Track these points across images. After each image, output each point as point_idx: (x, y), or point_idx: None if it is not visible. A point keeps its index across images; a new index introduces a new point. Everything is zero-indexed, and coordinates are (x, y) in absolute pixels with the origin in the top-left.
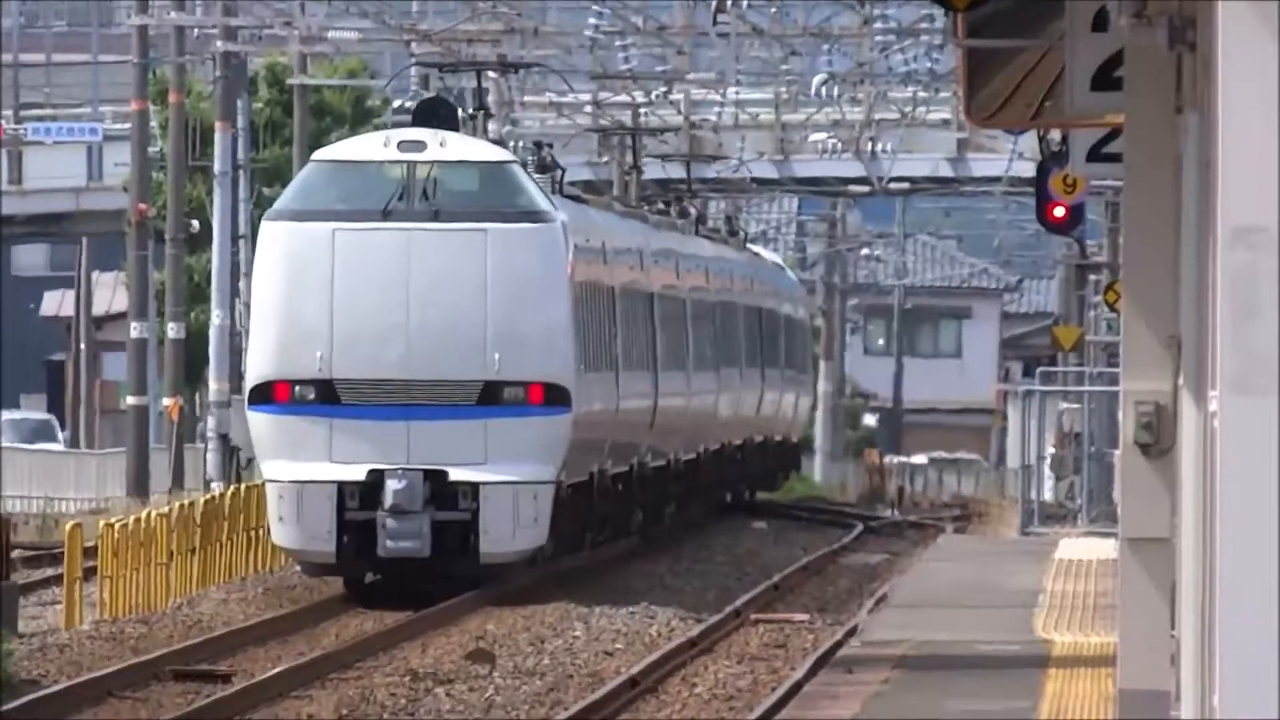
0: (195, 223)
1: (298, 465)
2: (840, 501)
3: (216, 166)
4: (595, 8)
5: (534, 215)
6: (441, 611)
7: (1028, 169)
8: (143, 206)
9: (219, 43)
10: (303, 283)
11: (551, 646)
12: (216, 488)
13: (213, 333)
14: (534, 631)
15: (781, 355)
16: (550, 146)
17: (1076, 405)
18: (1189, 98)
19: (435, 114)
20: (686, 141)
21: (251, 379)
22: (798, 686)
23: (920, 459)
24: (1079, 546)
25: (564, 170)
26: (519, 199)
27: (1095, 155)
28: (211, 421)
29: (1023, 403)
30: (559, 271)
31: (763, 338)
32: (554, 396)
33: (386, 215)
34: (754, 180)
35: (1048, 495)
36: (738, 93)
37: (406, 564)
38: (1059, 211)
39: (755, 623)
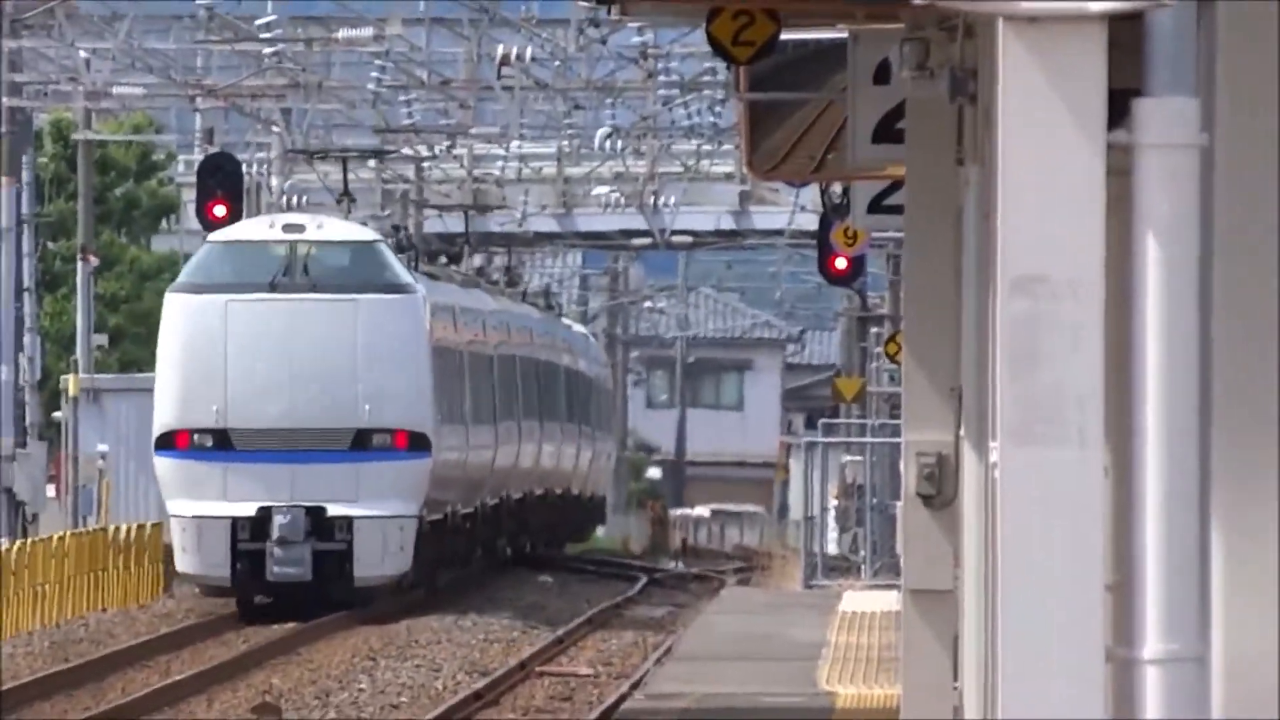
0: None
1: (197, 503)
2: (625, 554)
3: (2, 221)
4: (379, 62)
5: (398, 288)
6: (228, 664)
7: (810, 221)
8: None
9: (4, 98)
10: (200, 345)
11: (337, 700)
12: (3, 543)
13: None
14: (319, 685)
15: (592, 415)
16: (406, 229)
17: (859, 457)
18: (970, 150)
19: (220, 168)
20: (470, 195)
21: (157, 428)
22: None
23: (703, 511)
24: (862, 599)
25: (417, 248)
26: (385, 274)
27: (876, 207)
28: None
29: (805, 454)
30: (420, 335)
31: (577, 398)
32: (416, 442)
33: (273, 288)
34: (536, 234)
35: (831, 548)
36: (521, 146)
37: (291, 587)
38: (841, 263)
39: (540, 675)
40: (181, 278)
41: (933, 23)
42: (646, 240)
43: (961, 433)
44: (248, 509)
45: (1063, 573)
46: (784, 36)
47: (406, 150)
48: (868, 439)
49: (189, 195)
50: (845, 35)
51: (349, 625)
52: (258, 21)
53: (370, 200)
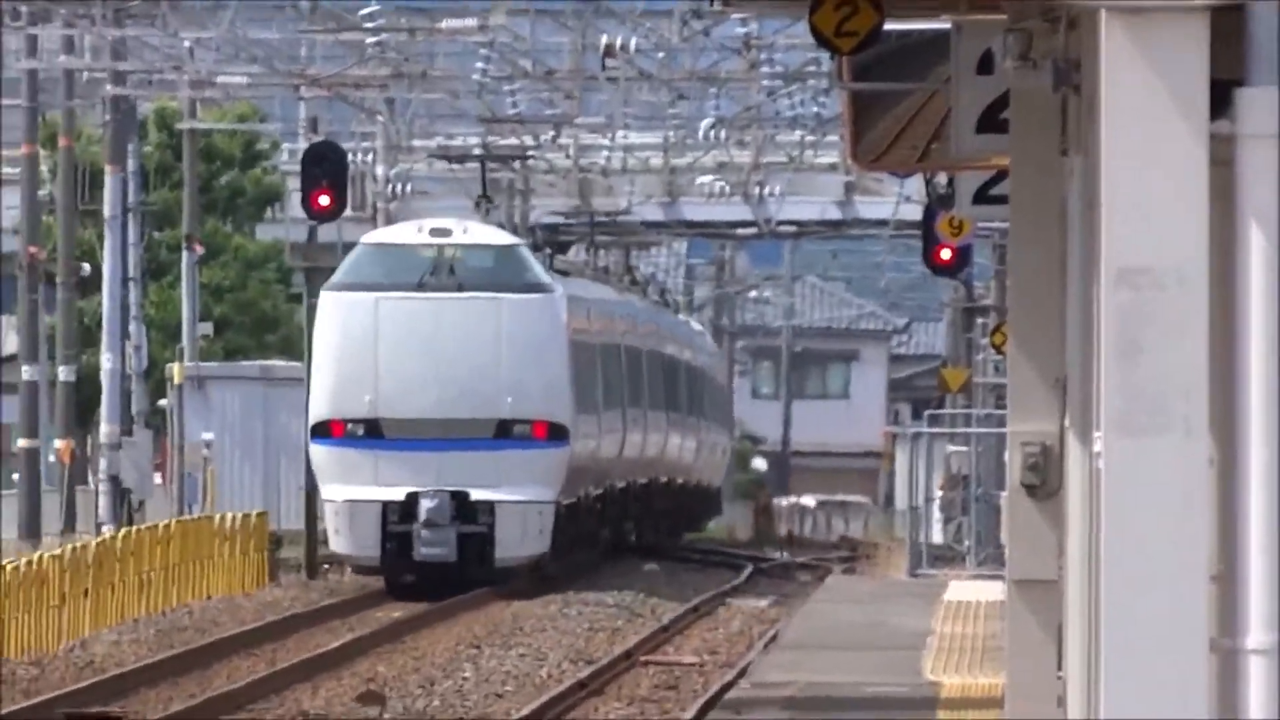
0: (86, 266)
1: (350, 488)
2: (731, 543)
3: (106, 210)
4: (483, 51)
5: (538, 287)
6: (333, 652)
7: (915, 212)
8: (33, 250)
9: (108, 87)
10: (353, 341)
11: (441, 688)
12: (108, 530)
13: (104, 376)
14: (423, 673)
15: (708, 407)
16: (544, 231)
17: (964, 447)
18: (1074, 140)
19: (325, 158)
20: (575, 185)
21: (313, 418)
22: None
23: (809, 501)
24: (967, 588)
25: (553, 251)
26: (525, 274)
27: (981, 197)
28: (103, 464)
29: (911, 445)
30: (558, 332)
31: (695, 391)
32: (555, 432)
33: (420, 287)
34: (643, 223)
35: (936, 537)
36: (626, 136)
37: (437, 567)
38: (946, 254)
39: (645, 665)
40: (335, 277)
41: (1036, 13)
42: (752, 230)
43: (1066, 423)
44: (397, 494)
45: (1167, 563)
46: (887, 27)
47: (513, 140)
48: (973, 429)
49: (293, 184)
50: (948, 25)
51: (453, 613)
52: (361, 11)
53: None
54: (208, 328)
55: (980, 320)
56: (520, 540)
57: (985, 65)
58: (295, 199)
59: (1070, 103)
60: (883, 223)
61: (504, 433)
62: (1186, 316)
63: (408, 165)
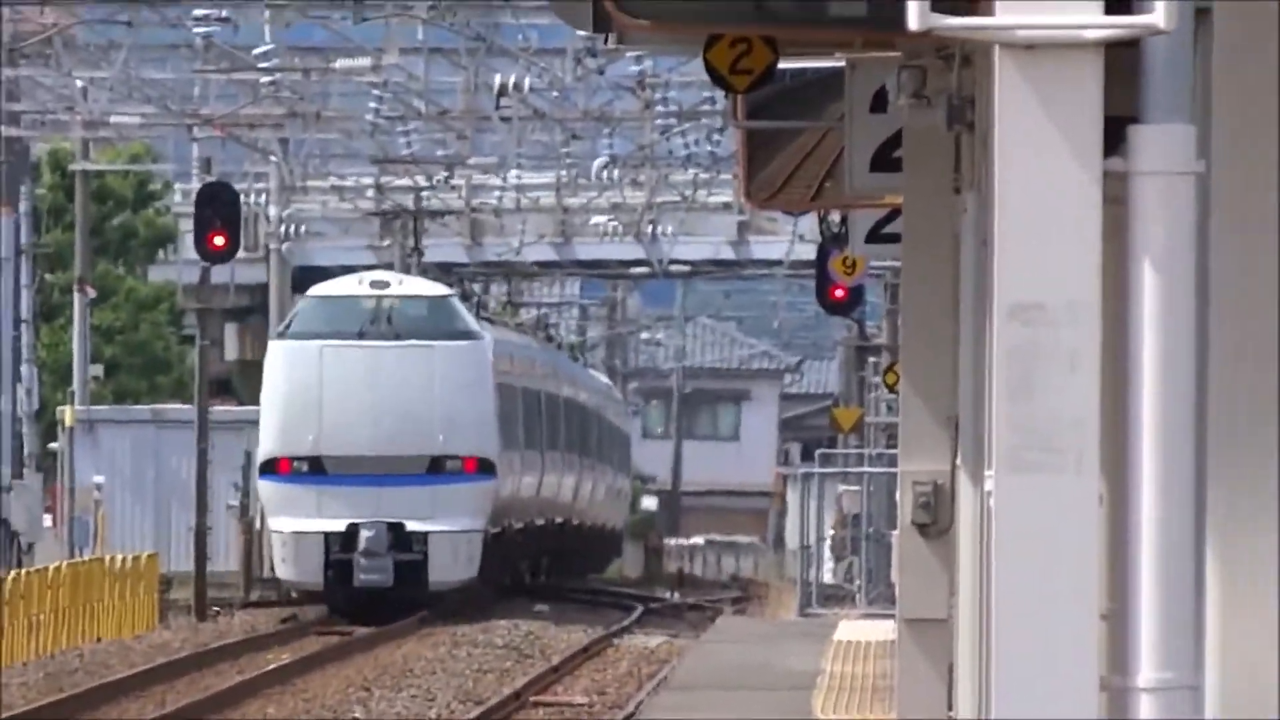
0: None
1: (295, 520)
2: (622, 582)
3: (1, 252)
4: (376, 92)
5: (468, 335)
6: (223, 694)
7: (809, 251)
8: None
9: (1, 127)
10: (298, 385)
11: None
12: None
13: None
14: (314, 715)
15: (615, 455)
16: (470, 281)
17: (856, 487)
18: (967, 177)
19: (218, 198)
20: (468, 225)
21: (261, 455)
22: None
23: (699, 540)
24: (858, 628)
25: (479, 299)
26: (456, 323)
27: (875, 236)
28: None
29: (802, 484)
30: (486, 376)
31: (603, 438)
32: (483, 467)
33: (360, 335)
34: (535, 263)
35: (827, 577)
36: (519, 176)
37: (375, 592)
38: (839, 293)
39: (535, 705)
40: (282, 327)
41: (929, 51)
42: (644, 269)
43: (958, 461)
44: (339, 525)
45: (1057, 601)
46: (781, 65)
47: (405, 180)
48: (865, 469)
49: (186, 225)
50: (843, 64)
51: (344, 655)
52: (255, 51)
53: (368, 230)
54: (99, 370)
55: (872, 360)
56: (452, 566)
57: (879, 103)
58: (188, 240)
59: (964, 140)
60: (777, 262)
61: (436, 468)
62: (1078, 353)
63: (301, 205)
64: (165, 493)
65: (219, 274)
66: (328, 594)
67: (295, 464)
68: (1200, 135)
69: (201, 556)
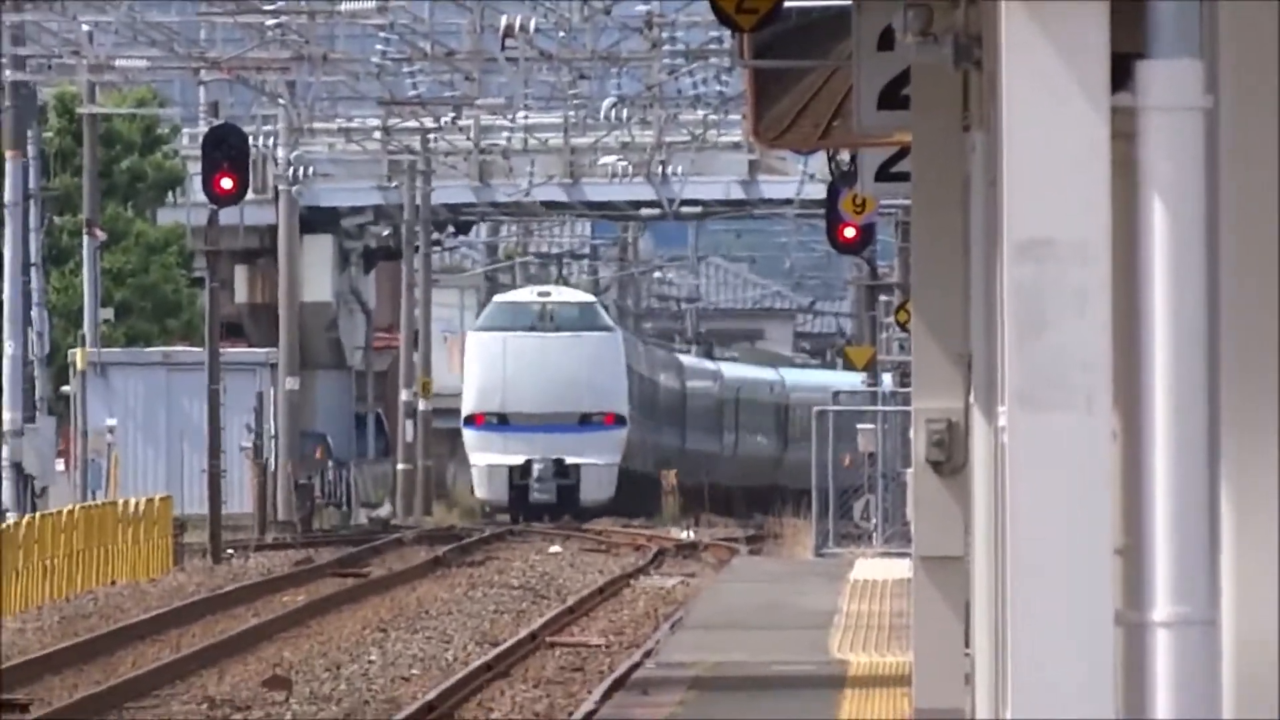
0: None
1: (488, 455)
2: (637, 524)
3: (7, 196)
4: (382, 34)
5: (607, 329)
6: (238, 637)
7: (819, 191)
8: None
9: (7, 71)
10: (489, 363)
11: (348, 672)
12: (11, 517)
13: (6, 362)
14: (330, 657)
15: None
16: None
17: (870, 425)
18: (976, 116)
19: (226, 141)
20: (476, 167)
21: (465, 412)
22: (594, 710)
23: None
24: (874, 567)
25: (608, 306)
26: (598, 320)
27: (884, 175)
28: (5, 451)
29: (816, 424)
30: (619, 357)
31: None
32: (618, 420)
33: (532, 328)
34: (544, 204)
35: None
36: (527, 117)
37: (543, 506)
38: (849, 232)
39: (551, 646)
40: (477, 323)
41: None
42: (655, 210)
43: (971, 399)
44: (518, 460)
45: (1072, 537)
46: (788, 4)
47: (412, 122)
48: (879, 407)
49: (194, 168)
50: (849, 2)
51: (359, 597)
52: None
53: (376, 171)
54: (110, 313)
55: (884, 298)
56: (597, 489)
57: (886, 41)
58: (196, 183)
59: (971, 78)
60: (787, 202)
61: (585, 420)
62: (1089, 290)
63: (309, 147)
64: (177, 435)
65: (228, 216)
66: (510, 509)
67: (487, 418)
68: (1208, 70)
69: (216, 499)
